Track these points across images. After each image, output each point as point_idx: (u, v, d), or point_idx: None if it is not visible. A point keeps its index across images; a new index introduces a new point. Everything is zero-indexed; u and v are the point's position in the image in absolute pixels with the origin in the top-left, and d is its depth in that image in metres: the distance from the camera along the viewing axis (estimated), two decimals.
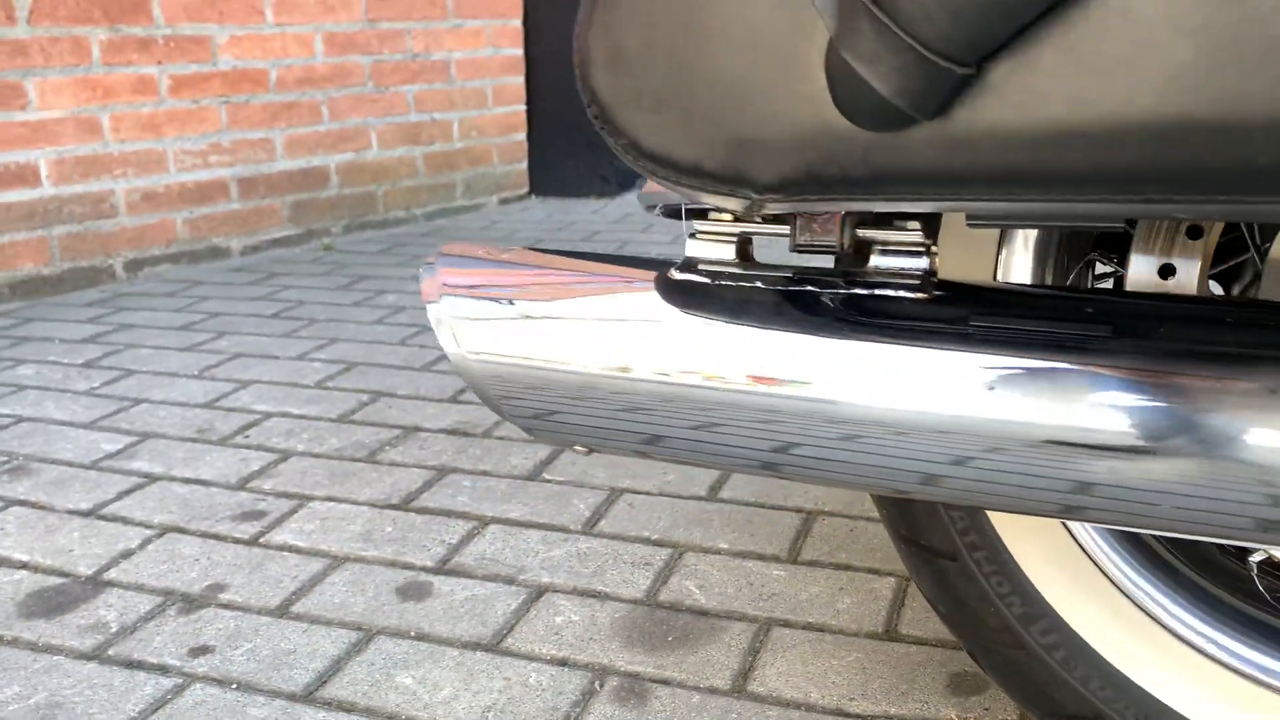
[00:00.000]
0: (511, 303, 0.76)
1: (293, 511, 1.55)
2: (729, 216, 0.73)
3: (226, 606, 1.31)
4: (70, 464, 1.74)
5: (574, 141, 4.06)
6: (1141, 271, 0.82)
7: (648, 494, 1.57)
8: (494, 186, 4.00)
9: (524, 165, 4.10)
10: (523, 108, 4.04)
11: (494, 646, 1.21)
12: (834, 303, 0.68)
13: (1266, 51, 0.45)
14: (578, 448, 0.77)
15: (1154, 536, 0.87)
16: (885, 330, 0.66)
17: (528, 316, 0.76)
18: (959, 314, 0.66)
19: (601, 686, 1.13)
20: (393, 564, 1.40)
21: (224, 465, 1.72)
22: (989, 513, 0.86)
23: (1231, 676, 0.81)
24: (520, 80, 4.01)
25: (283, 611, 1.29)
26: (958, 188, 0.55)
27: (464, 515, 1.52)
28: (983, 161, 0.53)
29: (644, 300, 0.73)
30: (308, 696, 1.13)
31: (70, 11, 2.78)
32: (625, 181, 4.13)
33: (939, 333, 0.65)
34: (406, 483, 1.64)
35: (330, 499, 1.59)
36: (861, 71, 0.52)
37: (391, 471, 1.68)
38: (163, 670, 1.18)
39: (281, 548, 1.45)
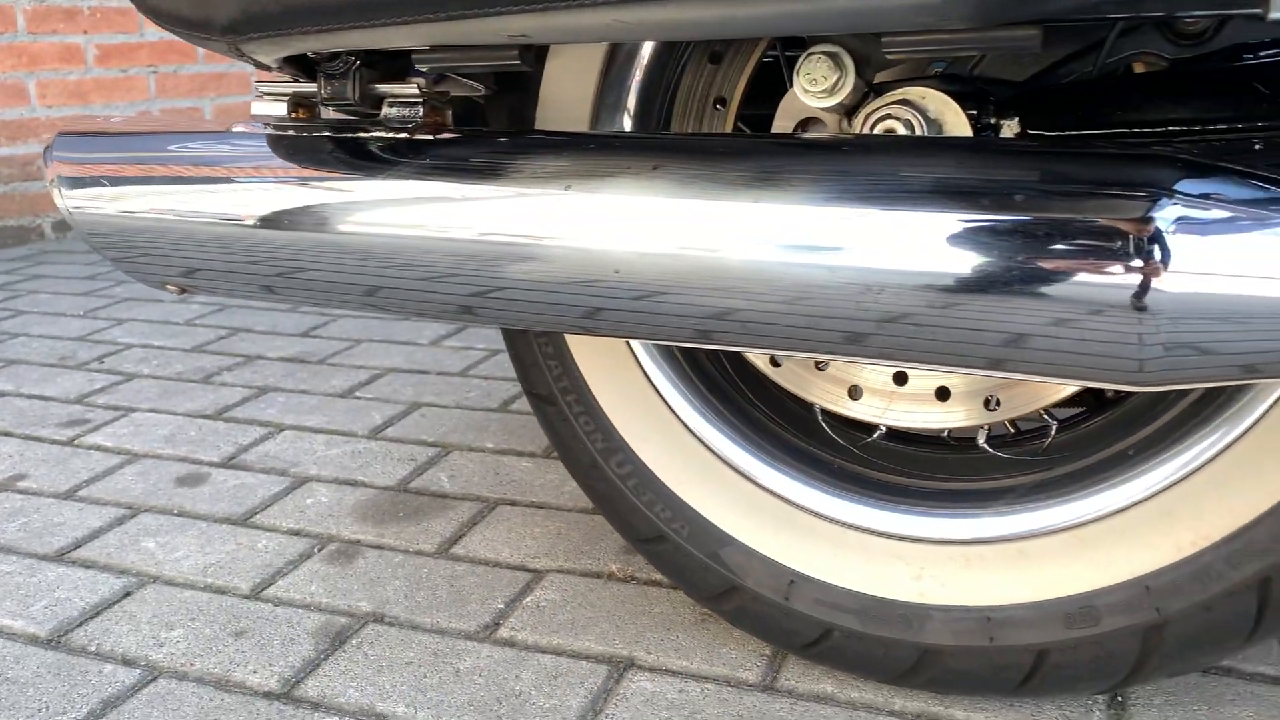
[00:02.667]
0: (115, 168, 0.88)
1: (114, 420, 1.68)
2: (288, 78, 0.85)
3: (21, 491, 1.44)
4: None
5: None
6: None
7: (444, 406, 1.68)
8: None
9: None
10: None
11: (242, 521, 1.33)
12: (353, 146, 0.79)
13: None
14: (169, 287, 0.89)
15: (721, 378, 0.98)
16: (393, 169, 0.77)
17: (126, 180, 0.87)
18: (446, 155, 0.77)
19: (320, 550, 1.25)
20: (184, 460, 1.52)
21: (71, 385, 1.86)
22: (576, 356, 0.97)
23: (750, 487, 0.91)
24: None
25: (69, 495, 1.42)
26: (353, 16, 0.66)
27: (266, 424, 1.65)
28: None
29: (211, 149, 0.84)
30: (57, 557, 1.25)
31: None
32: None
33: (420, 169, 0.76)
34: (227, 398, 1.76)
35: (153, 410, 1.72)
36: None
37: (218, 390, 1.81)
38: None
39: (91, 447, 1.58)
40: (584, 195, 0.70)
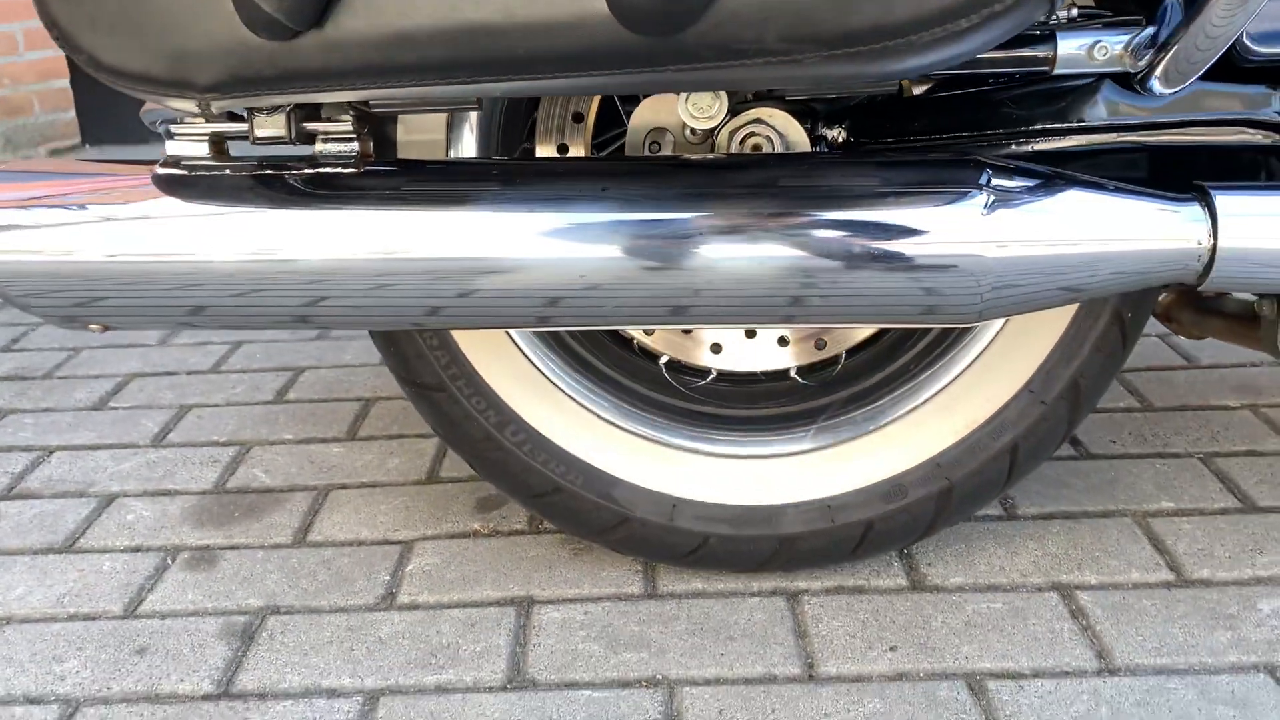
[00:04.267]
0: (25, 211, 0.88)
1: None
2: (202, 119, 0.90)
3: None
4: None
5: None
6: (546, 150, 1.08)
7: (215, 405, 1.69)
8: (39, 138, 3.77)
9: (71, 114, 3.88)
10: (59, 51, 3.81)
11: (67, 548, 1.31)
12: (285, 184, 0.87)
13: None
14: (92, 327, 0.91)
15: (591, 350, 1.16)
16: (325, 201, 0.86)
17: (42, 225, 0.88)
18: (380, 184, 0.88)
19: (174, 560, 1.27)
20: None
21: None
22: (463, 347, 1.10)
23: (631, 438, 1.11)
24: None
25: None
26: (342, 81, 0.75)
27: (27, 448, 1.57)
28: (352, 60, 0.74)
29: (136, 193, 0.88)
30: None
31: None
32: None
33: (364, 199, 0.86)
34: None
35: None
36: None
37: None
38: None
39: None
40: (505, 215, 0.86)
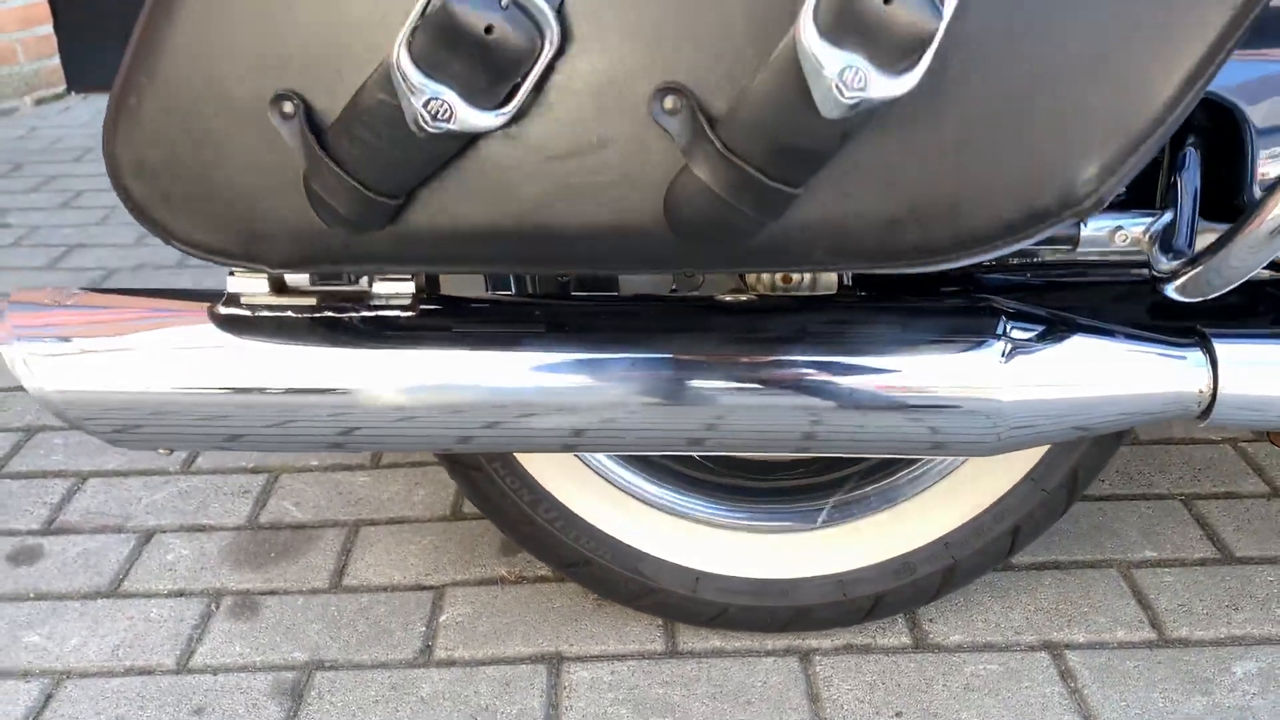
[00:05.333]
0: (85, 340, 0.93)
1: None
2: None
3: None
4: None
5: (107, 31, 3.83)
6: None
7: None
8: (24, 87, 3.71)
9: (56, 60, 3.81)
10: None
11: (113, 592, 1.37)
12: (347, 322, 0.92)
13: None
14: (161, 450, 0.96)
15: None
16: (384, 339, 0.91)
17: (100, 351, 0.92)
18: (436, 323, 0.93)
19: (218, 607, 1.35)
20: None
21: None
22: None
23: (657, 514, 1.18)
24: None
25: None
26: (410, 264, 0.80)
27: (60, 474, 1.63)
28: (420, 249, 0.78)
29: (198, 330, 0.92)
30: None
31: None
32: None
33: (418, 339, 0.91)
34: None
35: None
36: (325, 198, 0.75)
37: None
38: None
39: None
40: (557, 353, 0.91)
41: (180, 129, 0.78)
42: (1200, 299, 0.85)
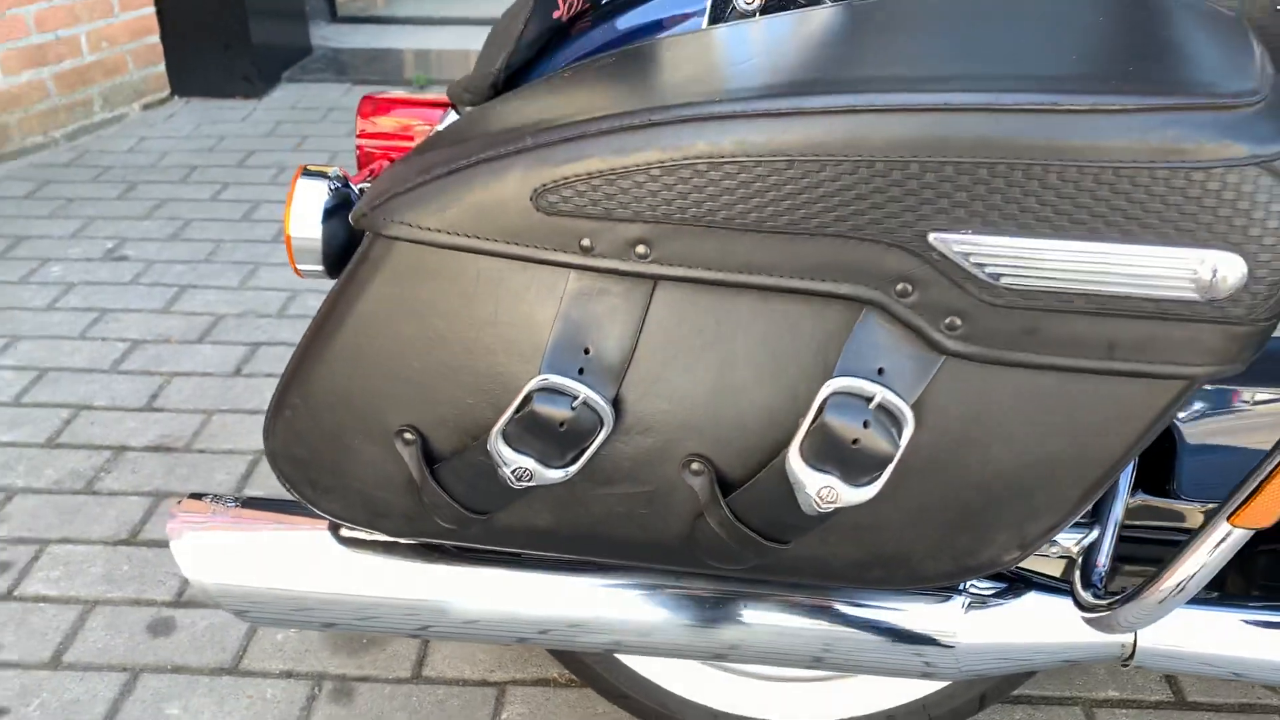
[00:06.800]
0: (229, 542, 1.18)
1: (35, 558, 1.88)
2: None
3: (6, 665, 1.66)
4: None
5: (210, 41, 4.08)
6: None
7: None
8: (134, 94, 3.99)
9: (161, 68, 4.08)
10: (151, 10, 3.98)
11: (234, 669, 1.66)
12: (438, 551, 1.16)
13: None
14: (292, 631, 1.22)
15: None
16: (466, 561, 1.15)
17: (238, 552, 1.18)
18: (502, 557, 1.17)
19: (320, 690, 1.63)
20: (137, 602, 1.79)
21: None
22: None
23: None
24: None
25: (55, 664, 1.67)
26: (489, 545, 1.04)
27: None
28: (509, 539, 1.02)
29: (320, 541, 1.18)
30: None
31: None
32: (270, 77, 4.22)
33: (495, 561, 1.16)
34: (128, 513, 1.98)
35: (64, 540, 1.92)
36: (431, 508, 0.99)
37: (113, 503, 2.02)
38: None
39: (37, 599, 1.79)
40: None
41: (324, 437, 1.02)
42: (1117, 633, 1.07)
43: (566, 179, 0.86)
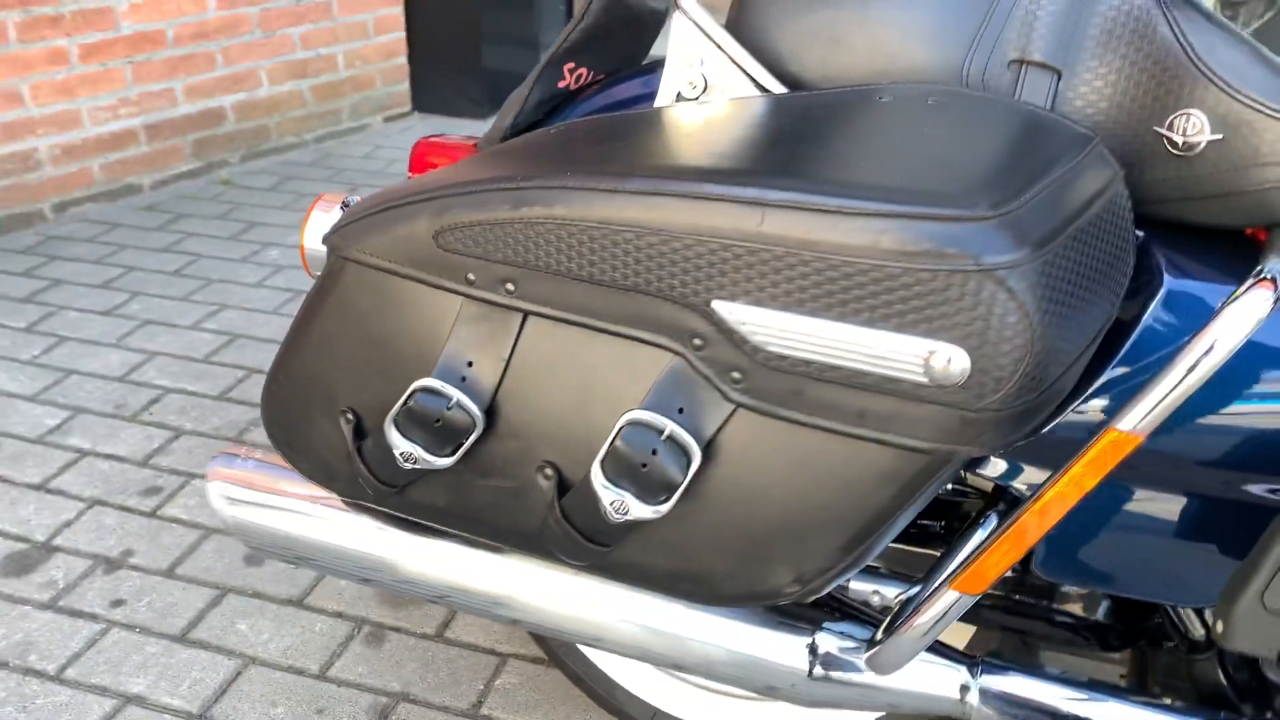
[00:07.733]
0: (268, 493, 1.47)
1: (180, 489, 2.28)
2: None
3: (134, 568, 2.05)
4: (23, 439, 2.44)
5: (448, 64, 4.57)
6: None
7: None
8: (378, 108, 4.53)
9: (405, 86, 4.61)
10: (402, 35, 4.51)
11: (299, 603, 1.98)
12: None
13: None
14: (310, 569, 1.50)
15: None
16: (414, 530, 1.38)
17: (273, 505, 1.47)
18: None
19: (359, 632, 1.91)
20: None
21: (134, 443, 2.43)
22: None
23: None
24: (399, 10, 4.46)
25: (170, 573, 2.04)
26: (407, 514, 1.26)
27: None
28: (410, 510, 1.24)
29: (313, 504, 1.44)
30: (180, 638, 1.89)
31: None
32: (497, 100, 4.67)
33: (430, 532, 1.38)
34: None
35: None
36: (359, 474, 1.23)
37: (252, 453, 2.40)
38: (94, 618, 1.93)
39: (172, 520, 2.19)
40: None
41: (297, 409, 1.27)
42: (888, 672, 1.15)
43: (459, 224, 1.08)
